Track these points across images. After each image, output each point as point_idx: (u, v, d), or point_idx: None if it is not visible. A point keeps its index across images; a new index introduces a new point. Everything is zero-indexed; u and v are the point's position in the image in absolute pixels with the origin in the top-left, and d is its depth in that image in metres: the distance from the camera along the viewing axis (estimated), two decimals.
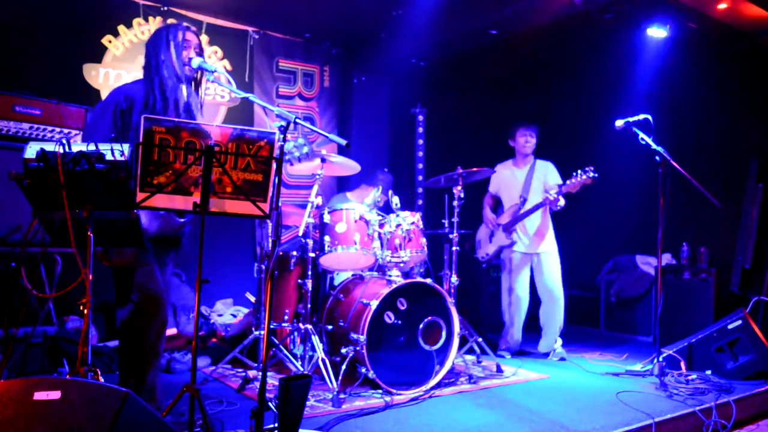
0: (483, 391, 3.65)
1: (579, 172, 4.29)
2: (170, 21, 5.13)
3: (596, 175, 4.23)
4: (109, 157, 2.19)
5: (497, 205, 4.93)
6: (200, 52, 2.86)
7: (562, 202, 4.42)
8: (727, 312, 4.34)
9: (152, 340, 2.74)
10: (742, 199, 5.14)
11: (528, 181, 4.68)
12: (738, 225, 5.09)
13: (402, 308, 3.62)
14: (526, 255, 4.67)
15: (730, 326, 4.04)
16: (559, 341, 4.63)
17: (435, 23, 5.05)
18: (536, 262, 4.66)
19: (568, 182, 4.34)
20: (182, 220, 2.83)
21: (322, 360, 3.44)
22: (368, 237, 3.81)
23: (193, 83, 2.90)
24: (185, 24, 2.90)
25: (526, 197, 4.60)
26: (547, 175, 4.67)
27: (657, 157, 3.79)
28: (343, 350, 3.52)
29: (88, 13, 4.73)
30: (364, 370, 3.49)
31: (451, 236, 4.21)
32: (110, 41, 4.88)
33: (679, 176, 3.88)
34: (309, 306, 3.69)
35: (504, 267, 4.81)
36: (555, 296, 4.60)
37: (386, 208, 4.26)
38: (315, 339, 3.56)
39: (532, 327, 4.87)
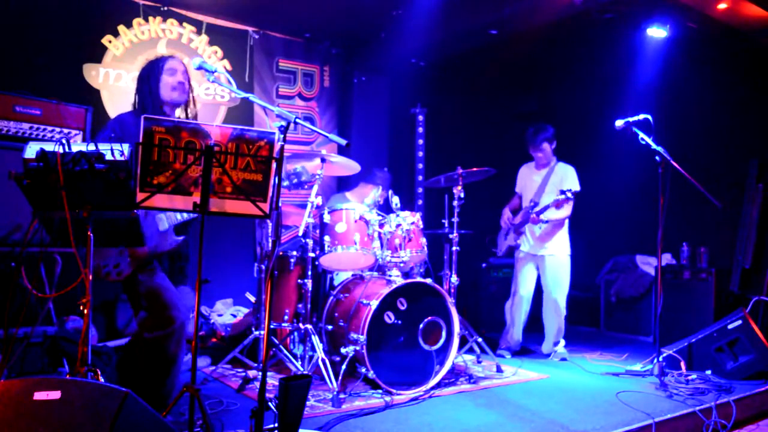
0: (483, 391, 3.65)
1: (568, 185, 4.38)
2: (170, 21, 5.13)
3: (572, 198, 4.26)
4: (108, 157, 2.19)
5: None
6: (186, 78, 2.93)
7: (547, 216, 4.44)
8: (727, 312, 4.34)
9: (171, 348, 2.75)
10: (742, 199, 5.14)
11: (543, 184, 4.63)
12: (738, 225, 5.10)
13: (402, 308, 3.62)
14: (531, 256, 4.66)
15: (730, 326, 4.04)
16: (562, 342, 4.63)
17: (435, 23, 5.05)
18: (541, 265, 4.65)
19: (551, 202, 4.38)
20: (179, 238, 2.83)
21: (322, 360, 3.44)
22: (368, 237, 3.81)
23: (184, 108, 2.95)
24: (167, 55, 2.99)
25: (537, 201, 4.55)
26: (563, 180, 4.56)
27: (657, 157, 3.80)
28: (343, 350, 3.52)
29: (88, 13, 4.73)
30: (364, 370, 3.49)
31: (451, 236, 4.21)
32: (110, 41, 4.88)
33: (679, 176, 3.87)
34: (309, 306, 3.69)
35: (515, 267, 4.82)
36: (553, 300, 4.57)
37: (386, 207, 4.26)
38: (315, 339, 3.56)
39: (535, 327, 4.87)
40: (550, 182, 4.62)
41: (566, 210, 4.51)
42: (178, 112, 2.96)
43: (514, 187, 4.94)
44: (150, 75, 2.87)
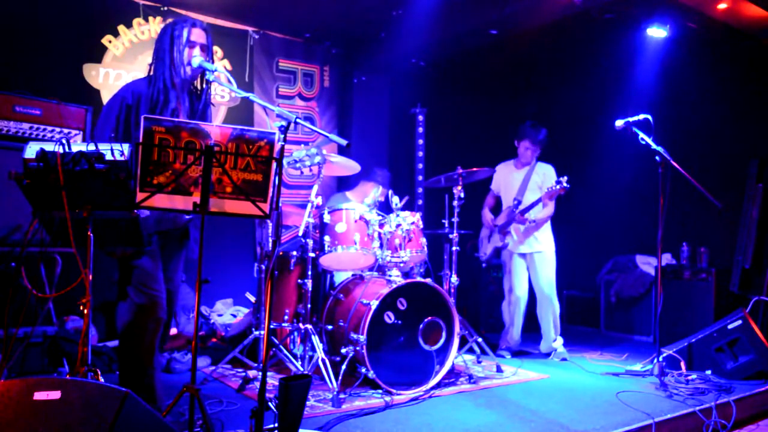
0: (483, 391, 3.65)
1: (553, 183, 4.36)
2: (170, 21, 5.12)
3: (568, 186, 4.26)
4: (108, 157, 2.19)
5: (499, 205, 4.92)
6: (207, 52, 2.85)
7: (533, 215, 4.48)
8: (727, 312, 4.34)
9: (149, 338, 2.74)
10: (742, 199, 5.14)
11: (525, 183, 4.66)
12: (738, 225, 5.09)
13: (402, 308, 3.62)
14: (521, 255, 4.68)
15: (730, 326, 4.04)
16: (560, 340, 4.63)
17: (435, 23, 5.05)
18: (531, 263, 4.66)
19: (542, 197, 4.40)
20: (187, 217, 2.84)
21: (322, 360, 3.44)
22: (368, 237, 3.81)
23: (197, 82, 2.91)
24: (194, 20, 2.88)
25: (521, 200, 4.59)
26: (545, 179, 4.60)
27: (657, 157, 3.80)
28: (343, 350, 3.52)
29: (88, 13, 4.73)
30: (364, 370, 3.49)
31: (451, 236, 4.21)
32: (110, 41, 4.88)
33: (679, 176, 3.87)
34: (309, 306, 3.69)
35: (504, 268, 4.83)
36: (547, 297, 4.60)
37: (385, 206, 4.26)
38: (315, 339, 3.56)
39: (533, 327, 4.87)
40: (532, 180, 4.64)
41: (550, 208, 4.56)
42: (196, 83, 2.89)
43: (490, 184, 4.94)
44: (172, 46, 2.77)
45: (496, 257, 4.91)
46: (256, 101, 2.65)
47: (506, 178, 4.81)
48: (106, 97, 4.80)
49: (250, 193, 2.31)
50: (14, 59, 4.36)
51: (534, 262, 4.62)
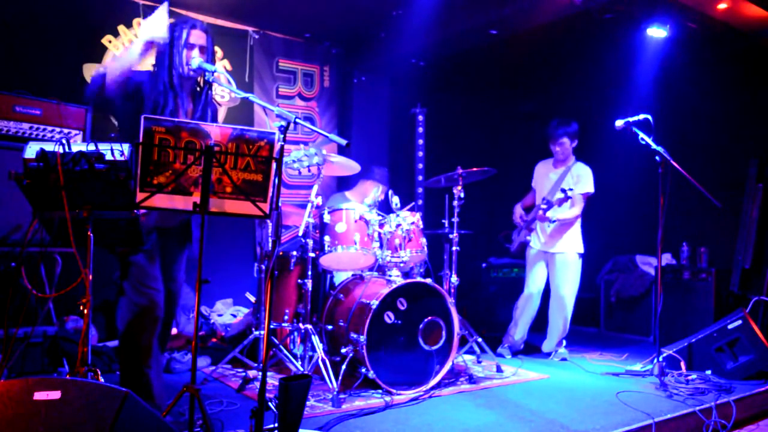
0: (483, 391, 3.65)
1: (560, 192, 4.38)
2: (170, 21, 5.12)
3: (571, 197, 4.26)
4: (108, 157, 2.19)
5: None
6: (207, 53, 2.84)
7: (555, 214, 4.42)
8: (727, 312, 4.34)
9: (146, 337, 2.74)
10: (742, 199, 5.14)
11: (557, 183, 4.58)
12: (738, 225, 5.10)
13: (402, 308, 3.62)
14: (542, 253, 4.64)
15: (730, 326, 4.04)
16: (564, 342, 4.62)
17: (435, 23, 5.05)
18: (551, 262, 4.61)
19: (554, 200, 4.38)
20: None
21: (322, 360, 3.44)
22: (368, 237, 3.81)
23: (198, 83, 2.91)
24: (194, 21, 2.87)
25: (550, 199, 4.53)
26: (577, 181, 4.52)
27: (657, 157, 3.80)
28: (343, 350, 3.52)
29: (88, 13, 4.73)
30: (364, 370, 3.49)
31: (451, 236, 4.21)
32: (110, 41, 4.88)
33: (679, 176, 3.87)
34: (309, 306, 3.69)
35: (526, 265, 4.81)
36: (559, 298, 4.53)
37: (385, 205, 4.26)
38: (315, 339, 3.56)
39: (536, 327, 4.86)
40: (565, 181, 4.56)
41: (576, 209, 4.49)
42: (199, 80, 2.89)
43: (531, 181, 4.92)
44: (171, 48, 2.79)
45: (519, 257, 4.89)
46: (256, 101, 2.65)
47: (542, 177, 4.77)
48: None
49: (250, 193, 2.31)
50: (14, 59, 4.36)
51: (554, 262, 4.57)
